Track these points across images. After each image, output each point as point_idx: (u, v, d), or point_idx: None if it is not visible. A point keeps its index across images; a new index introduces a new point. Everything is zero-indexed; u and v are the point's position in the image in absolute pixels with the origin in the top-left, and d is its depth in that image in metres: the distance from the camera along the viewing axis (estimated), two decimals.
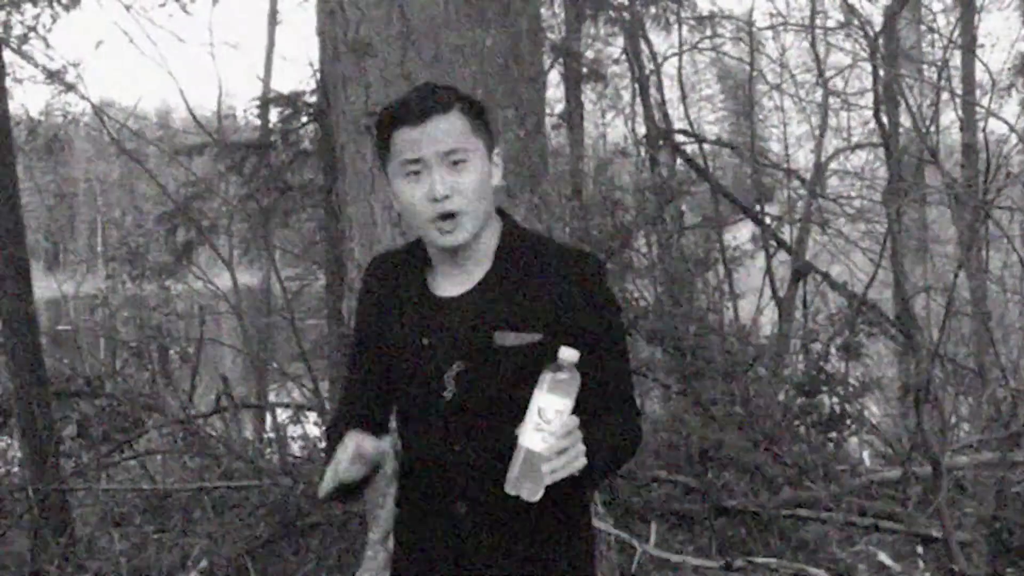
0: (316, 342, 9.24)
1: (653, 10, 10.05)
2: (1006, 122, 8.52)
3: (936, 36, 10.27)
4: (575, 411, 1.80)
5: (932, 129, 8.94)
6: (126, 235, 12.43)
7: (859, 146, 10.61)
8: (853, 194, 10.48)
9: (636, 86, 10.12)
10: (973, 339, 8.94)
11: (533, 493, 1.78)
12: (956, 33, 9.82)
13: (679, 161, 10.11)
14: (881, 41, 7.94)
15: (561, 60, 9.63)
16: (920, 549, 4.95)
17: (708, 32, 11.04)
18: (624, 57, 10.58)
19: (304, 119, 7.85)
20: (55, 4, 8.70)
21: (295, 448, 7.27)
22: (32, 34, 8.74)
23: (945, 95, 9.40)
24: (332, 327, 8.22)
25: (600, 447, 1.85)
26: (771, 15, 13.01)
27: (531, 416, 1.78)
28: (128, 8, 9.46)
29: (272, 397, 9.47)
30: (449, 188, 1.90)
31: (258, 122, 9.56)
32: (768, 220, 9.80)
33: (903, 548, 5.02)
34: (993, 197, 7.66)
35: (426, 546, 1.99)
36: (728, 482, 5.59)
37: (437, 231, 1.92)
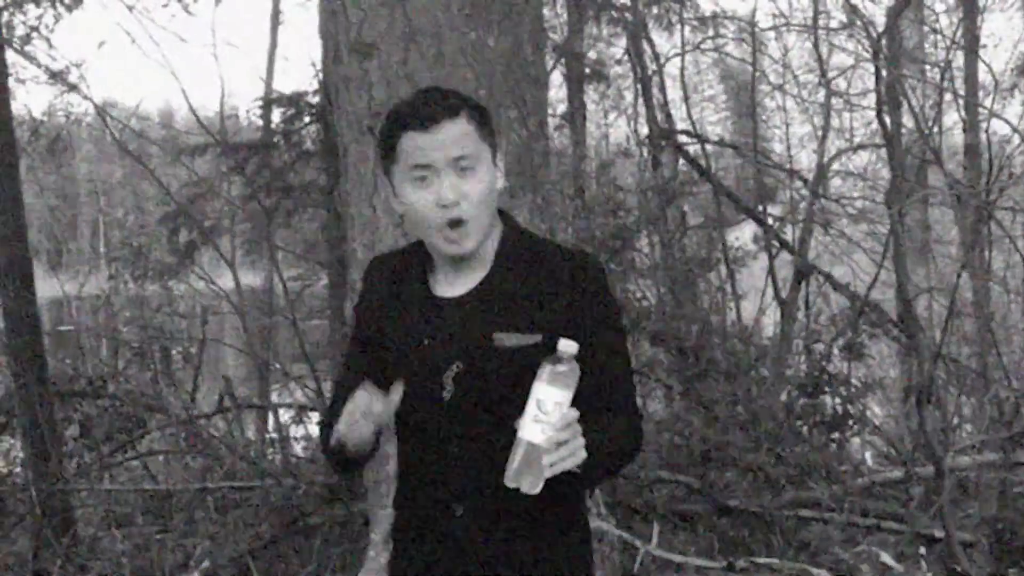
0: (318, 343, 9.23)
1: (655, 11, 10.05)
2: (1009, 123, 8.54)
3: (939, 37, 10.29)
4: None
5: (935, 130, 8.94)
6: (128, 235, 12.46)
7: (862, 147, 10.58)
8: (855, 195, 10.45)
9: (638, 86, 10.09)
10: (976, 340, 8.94)
11: (533, 486, 1.77)
12: (959, 34, 9.83)
13: (681, 161, 10.08)
14: (884, 42, 7.91)
15: (563, 61, 9.65)
16: (923, 550, 4.94)
17: (711, 32, 11.02)
18: (626, 58, 10.56)
19: (306, 120, 7.87)
20: (58, 4, 8.69)
21: (298, 449, 7.28)
22: (35, 34, 8.73)
23: (948, 96, 9.40)
24: (335, 327, 8.23)
25: (600, 446, 1.84)
26: (774, 15, 12.99)
27: (530, 408, 1.77)
28: (131, 8, 9.36)
29: (274, 397, 9.45)
30: (458, 194, 1.89)
31: (260, 123, 9.57)
32: (770, 221, 9.77)
33: (905, 549, 5.01)
34: (995, 198, 7.65)
35: (424, 547, 1.99)
36: (730, 482, 5.59)
37: (444, 239, 1.92)
